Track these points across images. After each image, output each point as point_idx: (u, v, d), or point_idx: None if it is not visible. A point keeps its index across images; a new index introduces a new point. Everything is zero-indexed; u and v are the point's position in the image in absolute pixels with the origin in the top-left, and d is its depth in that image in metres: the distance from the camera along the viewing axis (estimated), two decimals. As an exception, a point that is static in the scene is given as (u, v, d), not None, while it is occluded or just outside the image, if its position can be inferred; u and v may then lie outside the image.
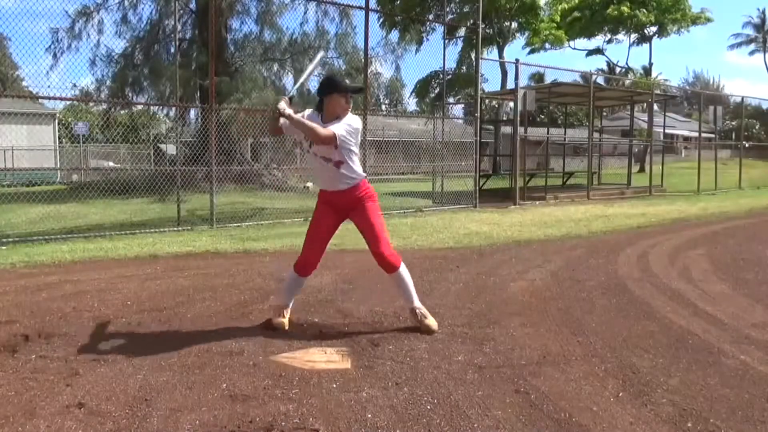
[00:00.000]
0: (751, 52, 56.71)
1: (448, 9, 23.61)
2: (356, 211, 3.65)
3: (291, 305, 3.85)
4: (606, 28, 33.15)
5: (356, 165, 3.62)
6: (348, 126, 3.52)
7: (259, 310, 4.12)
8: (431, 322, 3.67)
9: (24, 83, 23.28)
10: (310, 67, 3.96)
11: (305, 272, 3.74)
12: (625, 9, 30.33)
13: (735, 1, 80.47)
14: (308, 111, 3.67)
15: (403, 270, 3.69)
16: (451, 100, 22.37)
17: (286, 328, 3.68)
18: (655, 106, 19.97)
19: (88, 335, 3.54)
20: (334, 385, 2.82)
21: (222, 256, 6.39)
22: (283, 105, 3.43)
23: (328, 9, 15.93)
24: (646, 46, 34.26)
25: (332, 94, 3.53)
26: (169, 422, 2.43)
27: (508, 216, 10.63)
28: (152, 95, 16.22)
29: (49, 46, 14.22)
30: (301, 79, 3.96)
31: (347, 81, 3.74)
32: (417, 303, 3.72)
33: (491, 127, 26.23)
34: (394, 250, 3.69)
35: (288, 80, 17.04)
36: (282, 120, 3.54)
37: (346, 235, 7.92)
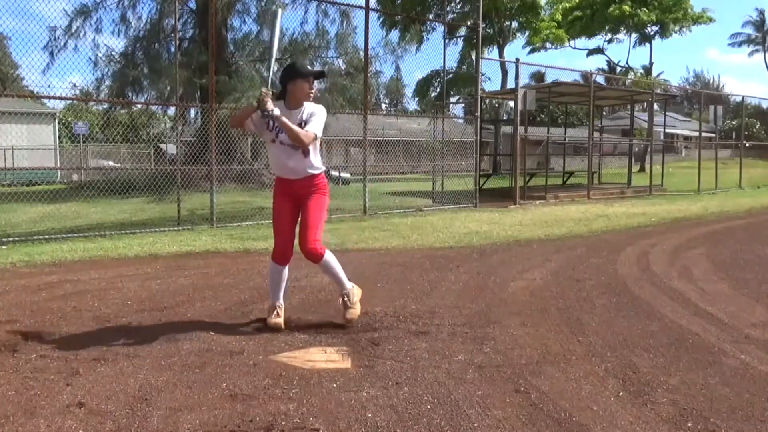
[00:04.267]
0: (751, 53, 56.82)
1: (448, 8, 23.61)
2: (306, 199, 3.72)
3: (283, 302, 3.83)
4: (607, 28, 33.16)
5: (318, 155, 3.76)
6: (321, 121, 3.63)
7: (259, 309, 4.11)
8: (353, 312, 3.75)
9: (24, 83, 23.31)
10: (277, 33, 3.87)
11: (283, 260, 3.76)
12: (626, 8, 30.32)
13: (730, 1, 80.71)
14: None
15: (329, 256, 3.74)
16: (451, 99, 22.36)
17: (282, 327, 3.68)
18: (656, 106, 19.96)
19: (89, 335, 3.54)
20: (335, 385, 2.82)
21: (222, 256, 6.39)
22: (270, 105, 3.42)
23: (328, 9, 15.93)
24: (646, 45, 34.29)
25: (296, 80, 3.57)
26: (169, 422, 2.43)
27: (508, 215, 10.63)
28: (152, 94, 16.23)
29: (46, 44, 14.22)
30: (273, 53, 3.83)
31: (310, 67, 3.73)
32: (347, 288, 3.79)
33: (491, 126, 26.22)
34: (321, 244, 3.72)
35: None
36: (256, 115, 3.53)
37: (346, 234, 7.93)
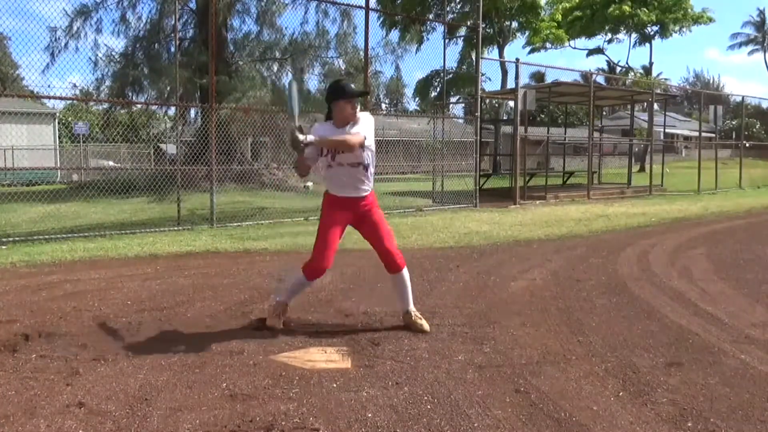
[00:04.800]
0: (751, 52, 56.86)
1: (448, 8, 23.62)
2: (368, 216, 3.67)
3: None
4: (607, 28, 33.17)
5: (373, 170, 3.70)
6: (367, 126, 3.56)
7: (259, 309, 4.12)
8: (426, 323, 3.70)
9: (24, 83, 23.30)
10: (295, 101, 3.77)
11: (317, 276, 3.68)
12: (626, 8, 30.34)
13: (730, 1, 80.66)
14: (317, 124, 3.64)
15: (406, 271, 3.72)
16: (451, 99, 22.37)
17: (281, 328, 3.67)
18: (656, 106, 19.97)
19: (89, 335, 3.54)
20: (335, 385, 2.82)
21: (222, 256, 6.39)
22: (301, 137, 3.35)
23: (328, 9, 15.93)
24: (646, 46, 34.30)
25: (338, 101, 3.51)
26: (169, 422, 2.43)
27: (508, 215, 10.63)
28: (152, 94, 16.22)
29: (48, 45, 14.20)
30: (296, 112, 3.78)
31: (353, 85, 3.68)
32: (412, 307, 3.75)
33: (491, 126, 26.23)
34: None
35: (288, 79, 17.05)
36: (306, 151, 3.45)
37: (346, 235, 7.93)
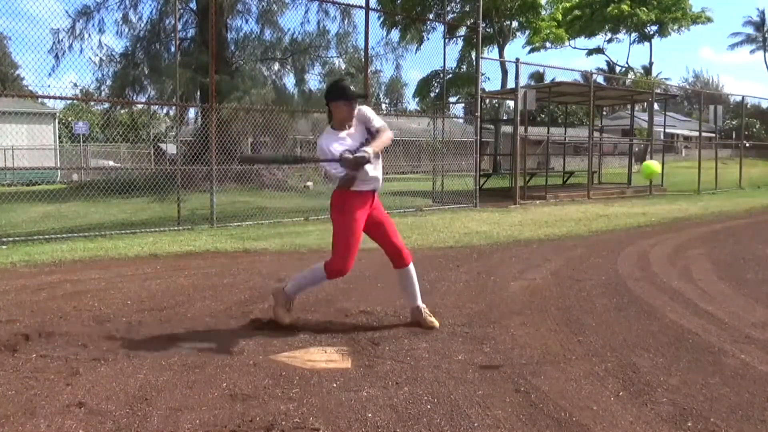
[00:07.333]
0: (752, 51, 56.82)
1: (448, 8, 23.62)
2: (378, 210, 3.70)
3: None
4: (606, 27, 33.20)
5: None
6: (375, 114, 3.61)
7: (259, 309, 4.12)
8: (435, 321, 3.74)
9: (24, 82, 23.32)
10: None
11: (335, 278, 3.65)
12: (625, 7, 30.36)
13: (726, 1, 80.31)
14: (325, 135, 3.58)
15: (413, 267, 3.75)
16: (452, 99, 22.36)
17: (287, 323, 3.68)
18: (656, 106, 19.96)
19: (89, 335, 3.54)
20: (335, 385, 2.83)
21: (222, 256, 6.39)
22: (366, 153, 3.34)
23: (328, 8, 15.93)
24: (646, 45, 34.34)
25: (337, 102, 3.51)
26: (169, 421, 2.43)
27: (508, 215, 10.63)
28: (153, 94, 16.23)
29: (51, 47, 14.20)
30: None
31: (352, 87, 3.68)
32: (420, 302, 3.78)
33: (491, 126, 26.20)
34: None
35: (288, 79, 17.06)
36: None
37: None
